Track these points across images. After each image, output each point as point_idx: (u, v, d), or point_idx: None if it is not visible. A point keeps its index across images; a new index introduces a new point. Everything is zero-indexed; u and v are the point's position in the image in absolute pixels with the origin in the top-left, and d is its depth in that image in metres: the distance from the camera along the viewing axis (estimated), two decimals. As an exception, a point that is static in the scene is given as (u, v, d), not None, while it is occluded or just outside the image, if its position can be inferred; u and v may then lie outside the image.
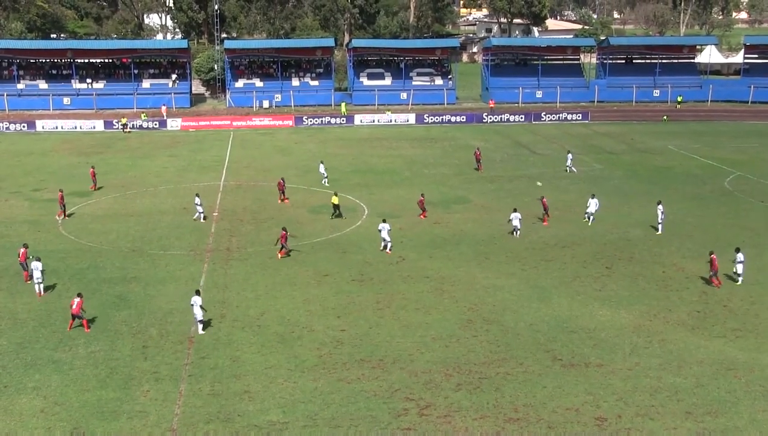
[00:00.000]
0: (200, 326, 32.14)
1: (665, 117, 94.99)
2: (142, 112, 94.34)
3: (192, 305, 32.31)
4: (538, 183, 57.07)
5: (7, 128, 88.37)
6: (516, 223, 45.54)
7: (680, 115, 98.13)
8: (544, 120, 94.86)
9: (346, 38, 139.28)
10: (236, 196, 56.10)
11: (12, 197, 55.88)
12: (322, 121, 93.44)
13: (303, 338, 31.69)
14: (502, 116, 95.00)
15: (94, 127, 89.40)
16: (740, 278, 37.92)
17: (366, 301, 35.78)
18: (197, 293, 32.74)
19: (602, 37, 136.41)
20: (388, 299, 35.95)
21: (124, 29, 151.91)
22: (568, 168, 64.43)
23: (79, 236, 46.09)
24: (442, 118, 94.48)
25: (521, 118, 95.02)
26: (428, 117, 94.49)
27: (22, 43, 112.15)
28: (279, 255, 41.65)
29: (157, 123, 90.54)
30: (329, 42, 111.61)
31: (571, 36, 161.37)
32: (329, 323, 33.24)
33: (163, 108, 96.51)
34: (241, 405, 26.37)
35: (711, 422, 25.42)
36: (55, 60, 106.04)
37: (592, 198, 49.11)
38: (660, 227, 46.21)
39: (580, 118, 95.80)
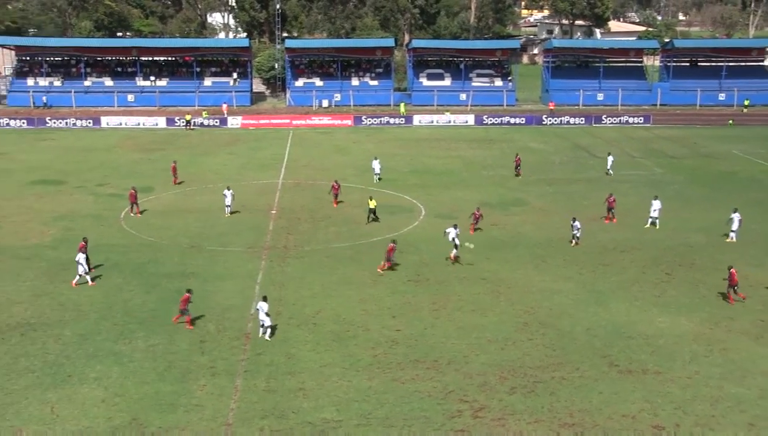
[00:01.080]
0: (267, 332, 31.65)
1: (731, 121, 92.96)
2: (204, 110, 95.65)
3: (258, 309, 32.14)
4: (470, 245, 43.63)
5: (74, 124, 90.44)
6: (575, 231, 44.52)
7: (747, 119, 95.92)
8: (605, 123, 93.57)
9: (406, 38, 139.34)
10: (294, 195, 56.53)
11: (77, 192, 57.16)
12: (380, 121, 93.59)
13: (358, 337, 31.79)
14: (562, 119, 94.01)
15: (157, 124, 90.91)
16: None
17: (421, 301, 35.74)
18: (264, 299, 32.34)
19: (666, 40, 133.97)
20: (443, 300, 35.86)
21: (188, 28, 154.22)
22: (608, 171, 63.57)
23: (140, 231, 46.94)
24: (501, 120, 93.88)
25: (581, 120, 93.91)
26: (487, 118, 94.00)
27: (89, 41, 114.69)
28: (383, 267, 39.78)
29: (218, 121, 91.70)
30: (389, 42, 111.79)
31: (634, 38, 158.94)
32: (384, 322, 33.29)
33: (224, 106, 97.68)
34: (295, 402, 26.56)
35: (775, 434, 24.80)
36: (121, 58, 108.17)
37: (655, 199, 48.07)
38: (734, 235, 45.04)
39: (642, 121, 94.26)
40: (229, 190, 50.91)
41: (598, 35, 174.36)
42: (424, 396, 27.01)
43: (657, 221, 47.67)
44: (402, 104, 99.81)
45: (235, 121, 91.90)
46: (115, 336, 31.69)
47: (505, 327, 32.87)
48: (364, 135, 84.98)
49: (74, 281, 37.50)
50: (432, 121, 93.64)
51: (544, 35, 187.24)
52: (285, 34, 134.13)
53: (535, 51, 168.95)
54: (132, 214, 50.44)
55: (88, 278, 37.64)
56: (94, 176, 62.40)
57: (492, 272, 39.69)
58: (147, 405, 26.21)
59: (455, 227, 41.32)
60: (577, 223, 44.72)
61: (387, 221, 49.18)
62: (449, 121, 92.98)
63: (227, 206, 50.37)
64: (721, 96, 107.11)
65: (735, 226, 44.86)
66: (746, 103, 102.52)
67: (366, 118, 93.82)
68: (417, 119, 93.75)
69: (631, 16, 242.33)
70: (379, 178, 60.38)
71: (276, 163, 68.95)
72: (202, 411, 25.88)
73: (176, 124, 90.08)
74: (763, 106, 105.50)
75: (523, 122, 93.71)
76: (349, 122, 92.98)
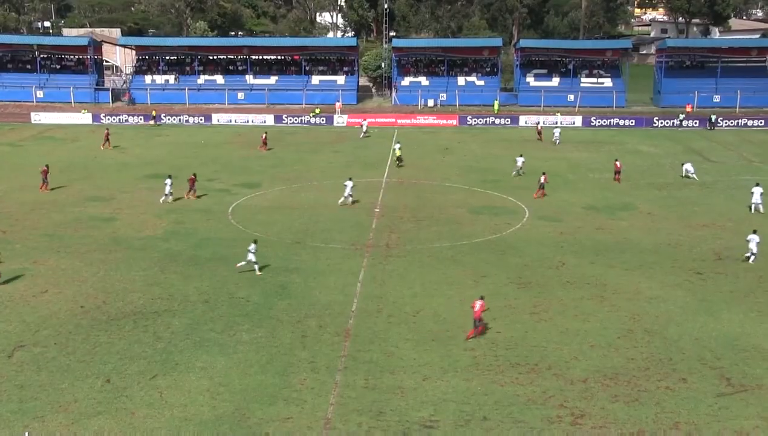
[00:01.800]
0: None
1: None
2: (316, 108, 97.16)
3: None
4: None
5: (187, 121, 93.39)
6: (752, 245, 41.15)
7: None
8: (721, 126, 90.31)
9: (514, 38, 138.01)
10: (397, 194, 56.78)
11: (188, 186, 58.81)
12: (486, 121, 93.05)
13: (457, 338, 31.67)
14: (674, 121, 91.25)
15: (265, 122, 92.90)
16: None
17: (523, 304, 35.34)
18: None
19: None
20: (545, 304, 35.36)
21: (297, 27, 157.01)
22: (690, 175, 61.68)
23: (246, 225, 48.04)
24: (610, 122, 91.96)
25: (695, 123, 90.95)
26: (595, 120, 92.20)
27: (203, 40, 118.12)
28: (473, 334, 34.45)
29: (324, 119, 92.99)
30: (497, 42, 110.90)
31: (758, 36, 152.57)
32: (485, 324, 33.05)
33: (338, 104, 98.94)
34: (393, 400, 26.66)
35: None
36: (232, 57, 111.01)
37: (757, 186, 46.87)
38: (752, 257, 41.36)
39: (763, 124, 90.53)
40: (350, 180, 52.94)
41: (716, 34, 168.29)
42: (522, 400, 26.69)
43: (760, 206, 45.14)
44: (495, 102, 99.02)
45: (341, 120, 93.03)
46: (221, 327, 32.54)
47: (608, 333, 32.15)
48: (469, 135, 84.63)
49: (239, 264, 39.22)
50: (538, 123, 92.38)
51: (657, 34, 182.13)
52: (392, 33, 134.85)
53: (647, 51, 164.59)
54: (186, 197, 53.82)
55: (256, 266, 38.92)
56: (204, 171, 64.10)
57: (596, 277, 38.90)
58: (249, 396, 26.80)
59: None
60: (755, 236, 40.96)
61: (490, 222, 48.84)
62: (556, 123, 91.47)
63: (348, 196, 52.36)
64: None
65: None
66: None
67: (471, 119, 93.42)
68: (523, 120, 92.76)
69: (755, 12, 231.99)
70: (522, 173, 62.03)
71: (381, 161, 69.40)
72: (302, 405, 26.29)
73: (283, 121, 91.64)
74: None
75: (633, 124, 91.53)
76: (454, 122, 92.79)
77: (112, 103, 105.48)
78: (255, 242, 39.60)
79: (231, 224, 48.72)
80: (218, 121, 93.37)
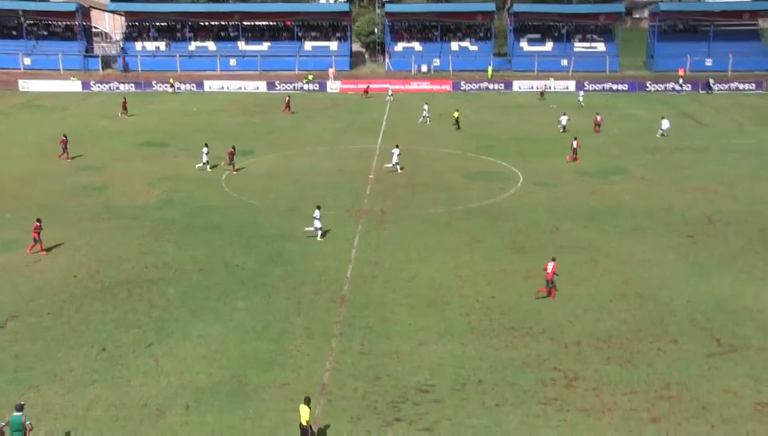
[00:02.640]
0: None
1: None
2: (309, 74, 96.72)
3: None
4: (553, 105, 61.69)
5: (179, 88, 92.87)
6: None
7: None
8: (714, 89, 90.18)
9: (508, 3, 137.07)
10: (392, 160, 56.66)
11: (181, 154, 58.79)
12: (480, 86, 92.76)
13: (452, 303, 31.89)
14: (667, 85, 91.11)
15: (258, 89, 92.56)
16: None
17: (517, 269, 35.52)
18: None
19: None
20: (539, 269, 35.42)
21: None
22: (661, 133, 63.52)
23: (241, 193, 48.03)
24: (603, 86, 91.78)
25: (688, 87, 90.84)
26: (588, 84, 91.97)
27: (194, 6, 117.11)
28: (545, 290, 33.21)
29: (317, 85, 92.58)
30: (490, 7, 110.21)
31: None
32: (479, 289, 33.26)
33: (331, 71, 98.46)
34: (389, 365, 26.88)
35: None
36: (223, 23, 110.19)
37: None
38: None
39: (754, 87, 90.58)
40: (397, 148, 53.14)
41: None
42: (517, 363, 26.95)
43: None
44: (489, 68, 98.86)
45: (334, 86, 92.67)
46: (216, 295, 32.66)
47: (601, 297, 32.39)
48: (464, 101, 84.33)
49: (305, 228, 39.69)
50: (532, 88, 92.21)
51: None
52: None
53: (641, 15, 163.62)
54: (228, 170, 52.82)
55: (319, 232, 39.25)
56: (198, 139, 63.89)
57: (589, 242, 39.08)
58: (246, 363, 27.00)
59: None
60: None
61: (485, 188, 48.91)
62: (549, 88, 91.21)
63: (395, 164, 52.39)
64: None
65: None
66: None
67: (465, 84, 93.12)
68: (516, 85, 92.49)
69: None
70: (564, 130, 64.98)
71: (375, 127, 69.27)
72: (298, 371, 26.49)
73: (276, 88, 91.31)
74: None
75: (626, 89, 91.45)
76: (447, 87, 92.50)
77: (102, 70, 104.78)
78: (318, 207, 39.76)
79: (225, 192, 48.68)
80: (210, 88, 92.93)
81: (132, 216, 43.47)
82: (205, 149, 53.48)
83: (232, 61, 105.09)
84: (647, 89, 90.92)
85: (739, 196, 46.76)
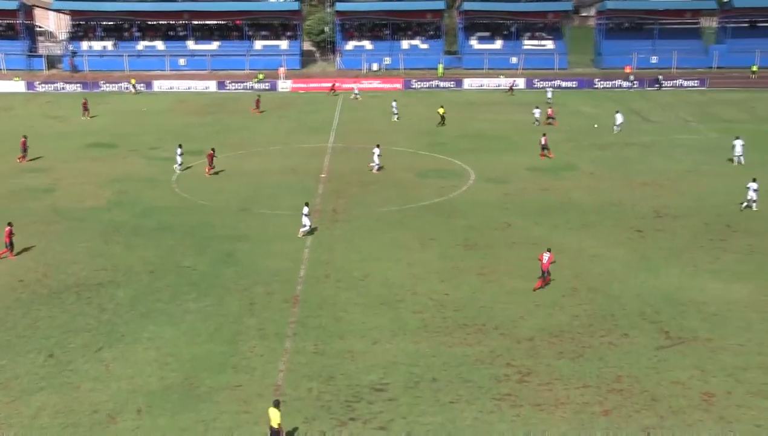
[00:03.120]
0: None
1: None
2: (260, 73, 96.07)
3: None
4: (595, 125, 64.39)
5: (127, 88, 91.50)
6: (752, 194, 42.82)
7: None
8: (632, 85, 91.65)
9: (457, 1, 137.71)
10: (344, 158, 56.64)
11: (130, 155, 58.02)
12: (431, 84, 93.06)
13: (406, 301, 31.93)
14: (614, 82, 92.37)
15: (207, 88, 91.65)
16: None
17: (470, 266, 35.70)
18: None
19: (725, 0, 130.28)
20: (492, 265, 35.78)
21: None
22: (617, 127, 65.15)
23: (192, 193, 47.55)
24: (553, 84, 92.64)
25: (636, 83, 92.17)
26: (538, 82, 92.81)
27: (142, 5, 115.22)
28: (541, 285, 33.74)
29: (268, 84, 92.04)
30: (440, 5, 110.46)
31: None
32: (433, 286, 33.36)
33: (281, 70, 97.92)
34: (343, 364, 26.82)
35: (828, 403, 24.42)
36: (172, 22, 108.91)
37: (753, 182, 43.80)
38: (754, 204, 43.44)
39: (698, 84, 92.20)
40: (378, 147, 53.23)
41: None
42: (471, 360, 27.08)
43: (742, 158, 44.52)
44: (440, 66, 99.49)
45: (285, 85, 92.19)
46: (167, 297, 32.28)
47: (553, 292, 32.70)
48: (415, 99, 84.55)
49: (302, 230, 39.70)
50: (482, 85, 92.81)
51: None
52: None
53: (588, 13, 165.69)
54: (208, 174, 51.90)
55: (307, 228, 39.67)
56: (147, 140, 63.19)
57: (541, 237, 39.41)
58: (198, 365, 26.72)
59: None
60: (754, 184, 43.14)
61: (437, 185, 49.09)
62: (499, 85, 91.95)
63: (376, 163, 52.63)
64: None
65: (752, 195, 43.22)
66: (754, 68, 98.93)
67: (416, 82, 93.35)
68: (467, 83, 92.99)
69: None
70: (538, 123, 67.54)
71: (326, 126, 69.09)
72: (251, 372, 26.30)
73: (226, 88, 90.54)
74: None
75: (575, 86, 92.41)
76: (399, 86, 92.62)
77: (47, 70, 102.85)
78: (307, 204, 39.94)
79: (176, 192, 48.15)
80: (159, 87, 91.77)
81: (80, 218, 42.76)
82: (179, 150, 52.77)
83: (182, 61, 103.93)
84: (595, 86, 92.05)
85: (685, 191, 47.60)
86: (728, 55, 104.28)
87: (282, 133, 66.11)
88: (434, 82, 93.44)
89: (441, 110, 68.79)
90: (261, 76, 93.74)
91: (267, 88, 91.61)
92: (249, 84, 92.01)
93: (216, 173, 52.02)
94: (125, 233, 40.27)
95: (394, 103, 72.42)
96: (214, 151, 52.91)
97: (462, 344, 28.24)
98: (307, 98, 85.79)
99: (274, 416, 21.68)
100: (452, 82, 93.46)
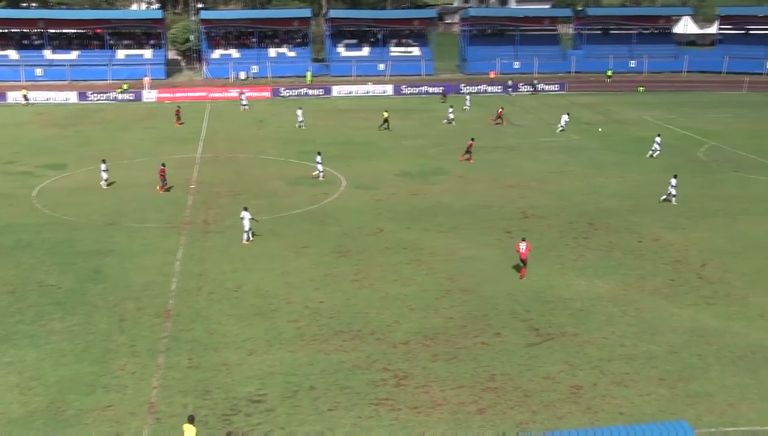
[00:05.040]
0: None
1: (641, 88, 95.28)
2: (124, 83, 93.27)
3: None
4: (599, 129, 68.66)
5: (33, 100, 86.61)
6: (671, 189, 46.40)
7: (656, 85, 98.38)
8: (522, 91, 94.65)
9: (324, 8, 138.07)
10: (213, 169, 55.70)
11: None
12: (299, 92, 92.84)
13: (281, 310, 31.68)
14: (480, 87, 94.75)
15: (68, 99, 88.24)
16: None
17: (344, 272, 35.78)
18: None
19: (579, 8, 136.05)
20: (366, 271, 35.98)
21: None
22: (560, 127, 68.71)
23: (53, 209, 45.64)
24: (420, 90, 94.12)
25: (498, 88, 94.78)
26: (406, 88, 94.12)
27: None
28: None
29: (133, 95, 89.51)
30: (306, 13, 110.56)
31: (549, 6, 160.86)
32: (307, 294, 33.24)
33: (146, 79, 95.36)
34: (219, 378, 26.35)
35: (683, 387, 25.81)
36: (26, 30, 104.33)
37: (674, 178, 47.01)
38: (674, 199, 46.46)
39: (558, 89, 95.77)
40: (319, 155, 53.11)
41: (513, 4, 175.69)
42: (348, 366, 27.13)
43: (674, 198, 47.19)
44: (308, 73, 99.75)
45: (150, 95, 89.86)
46: (30, 318, 30.85)
47: (427, 295, 33.18)
48: (283, 107, 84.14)
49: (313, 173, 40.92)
50: (351, 92, 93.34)
51: (460, 4, 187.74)
52: (200, 5, 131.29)
53: (452, 20, 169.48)
54: (161, 191, 49.45)
55: (248, 233, 39.75)
56: (2, 154, 60.24)
57: (413, 241, 39.96)
58: (65, 388, 25.65)
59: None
60: (674, 180, 46.56)
61: (308, 193, 48.97)
62: (368, 92, 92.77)
63: (320, 172, 52.50)
64: (632, 63, 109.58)
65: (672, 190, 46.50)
66: (609, 72, 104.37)
67: (284, 90, 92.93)
68: (336, 90, 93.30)
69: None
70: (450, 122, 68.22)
71: (194, 137, 67.79)
72: (123, 391, 25.47)
73: (88, 99, 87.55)
74: (672, 73, 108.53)
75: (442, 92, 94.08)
76: (267, 94, 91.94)
77: None
78: (245, 208, 39.66)
79: (36, 208, 46.09)
80: (15, 99, 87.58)
81: (-69, 239, 40.34)
82: (103, 166, 50.42)
83: (38, 71, 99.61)
84: (461, 91, 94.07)
85: (549, 191, 49.30)
86: (585, 60, 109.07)
87: (149, 145, 64.41)
88: (303, 90, 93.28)
89: (385, 114, 70.04)
90: (125, 87, 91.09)
91: (132, 98, 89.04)
92: (113, 95, 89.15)
93: (168, 190, 49.62)
94: (-18, 253, 38.25)
95: (299, 112, 72.17)
96: (164, 166, 50.27)
97: (338, 351, 28.25)
98: (173, 108, 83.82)
99: (190, 433, 21.19)
100: (321, 90, 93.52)
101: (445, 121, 72.92)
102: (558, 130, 68.62)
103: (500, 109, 74.37)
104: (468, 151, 57.36)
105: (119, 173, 54.25)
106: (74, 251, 38.55)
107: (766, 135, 67.61)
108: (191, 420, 21.52)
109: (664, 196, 46.93)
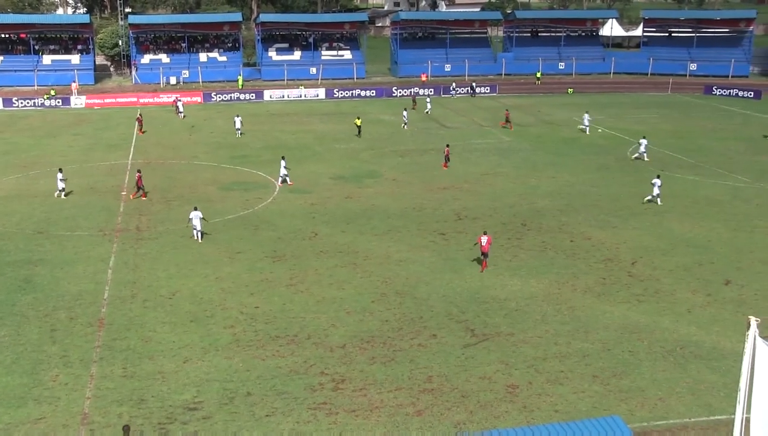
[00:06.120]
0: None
1: (570, 89, 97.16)
2: (51, 89, 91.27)
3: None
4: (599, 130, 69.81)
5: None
6: (656, 190, 46.75)
7: (585, 87, 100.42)
8: (453, 93, 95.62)
9: (254, 13, 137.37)
10: (145, 175, 54.73)
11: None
12: (231, 97, 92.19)
13: (216, 316, 31.48)
14: (412, 90, 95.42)
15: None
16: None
17: (279, 277, 35.71)
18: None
19: (508, 11, 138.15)
20: (301, 275, 35.97)
21: (22, 2, 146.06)
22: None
23: (-21, 218, 44.52)
24: (352, 93, 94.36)
25: (430, 91, 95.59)
26: (338, 92, 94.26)
27: None
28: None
29: (60, 101, 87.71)
30: (236, 17, 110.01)
31: (478, 9, 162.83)
32: (243, 300, 33.09)
33: (74, 85, 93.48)
34: (154, 386, 26.07)
35: (616, 383, 26.43)
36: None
37: (657, 179, 47.51)
38: (658, 199, 47.14)
39: (489, 90, 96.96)
40: (284, 159, 52.83)
41: (443, 7, 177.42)
42: (285, 372, 27.10)
43: (645, 155, 49.97)
44: (240, 78, 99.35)
45: (78, 101, 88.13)
46: (-43, 331, 30.05)
47: (362, 299, 33.33)
48: (215, 111, 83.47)
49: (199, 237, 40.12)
50: (283, 96, 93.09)
51: (390, 7, 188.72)
52: (128, 10, 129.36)
53: (383, 23, 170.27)
54: (139, 198, 48.58)
55: (199, 234, 40.44)
56: (-76, 163, 58.52)
57: (348, 245, 40.08)
58: (-5, 401, 25.07)
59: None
60: (658, 180, 46.95)
61: (242, 198, 48.70)
62: (300, 96, 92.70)
63: (284, 175, 52.15)
64: (561, 65, 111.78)
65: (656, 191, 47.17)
66: (538, 74, 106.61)
67: (216, 95, 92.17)
68: (268, 94, 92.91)
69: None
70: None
71: (124, 143, 66.77)
72: (55, 403, 25.00)
73: (13, 105, 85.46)
74: (599, 75, 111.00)
75: (374, 95, 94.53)
76: (198, 99, 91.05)
77: None
78: (195, 208, 40.72)
79: (-40, 218, 44.89)
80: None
81: None
82: (60, 175, 49.05)
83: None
84: (393, 94, 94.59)
85: (482, 192, 49.94)
86: (515, 62, 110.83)
87: (78, 152, 63.22)
88: (234, 95, 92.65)
89: (358, 121, 69.54)
90: (52, 93, 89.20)
91: (59, 104, 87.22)
92: (40, 101, 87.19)
93: (144, 195, 48.73)
94: None
95: (238, 119, 70.26)
96: (140, 172, 49.34)
97: (275, 356, 28.20)
98: (102, 114, 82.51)
99: None
100: (252, 94, 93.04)
101: (403, 125, 72.73)
102: (580, 128, 70.80)
103: (507, 112, 74.91)
104: (447, 159, 57.07)
105: (48, 181, 53.11)
106: (2, 260, 37.65)
107: (690, 135, 69.67)
108: (126, 431, 21.24)
109: (649, 197, 47.41)
